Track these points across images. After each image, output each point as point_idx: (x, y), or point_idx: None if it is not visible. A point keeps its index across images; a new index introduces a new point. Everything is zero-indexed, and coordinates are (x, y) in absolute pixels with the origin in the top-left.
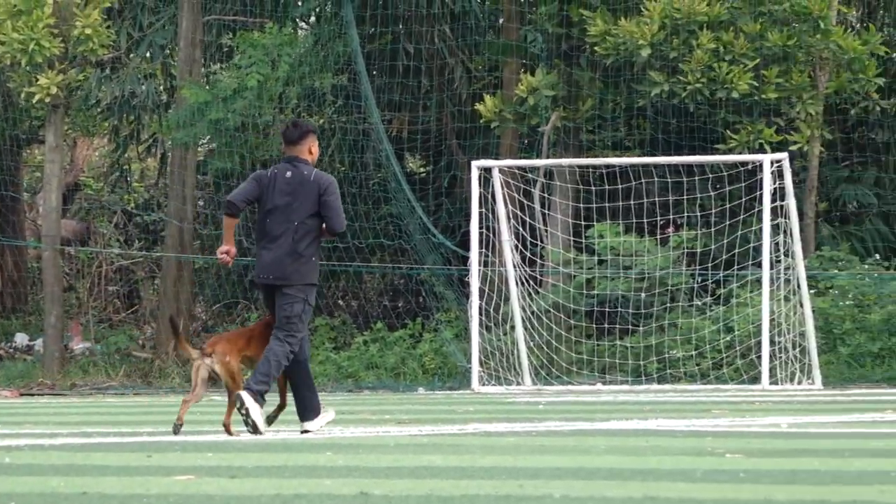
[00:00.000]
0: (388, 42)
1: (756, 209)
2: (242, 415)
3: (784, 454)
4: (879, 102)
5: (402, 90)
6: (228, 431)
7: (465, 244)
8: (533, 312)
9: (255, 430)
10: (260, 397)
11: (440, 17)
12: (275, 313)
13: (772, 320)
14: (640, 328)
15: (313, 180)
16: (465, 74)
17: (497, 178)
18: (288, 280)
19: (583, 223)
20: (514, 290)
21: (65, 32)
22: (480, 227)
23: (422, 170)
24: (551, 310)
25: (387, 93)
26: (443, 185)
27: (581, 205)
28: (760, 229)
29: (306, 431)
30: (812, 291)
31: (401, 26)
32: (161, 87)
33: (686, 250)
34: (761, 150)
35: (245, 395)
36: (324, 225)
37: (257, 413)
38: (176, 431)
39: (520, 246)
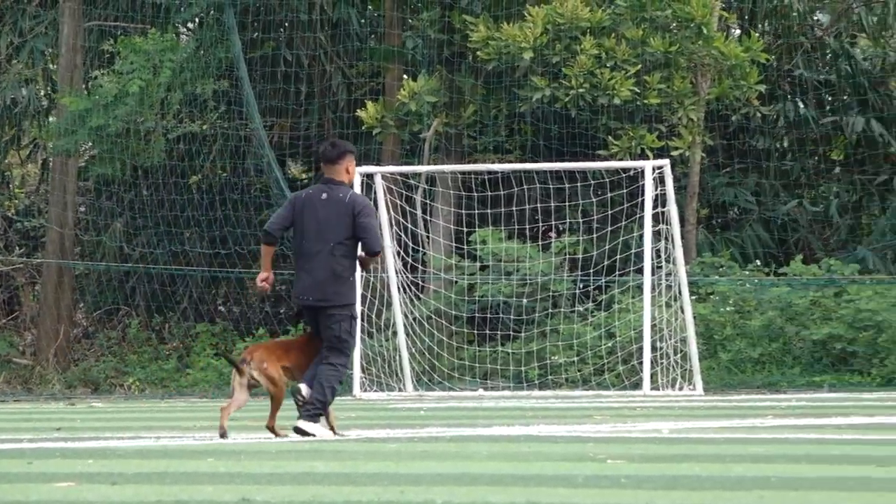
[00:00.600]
0: (270, 48)
1: (638, 215)
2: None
3: (665, 460)
4: (760, 109)
5: (284, 96)
6: (275, 433)
7: None
8: (415, 318)
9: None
10: (316, 418)
11: (319, 24)
12: (319, 332)
13: (653, 326)
14: (522, 334)
15: (348, 202)
16: (344, 81)
17: (379, 184)
18: (329, 301)
19: (465, 229)
20: (395, 296)
21: None
22: None
23: (304, 176)
24: (433, 316)
25: (268, 99)
26: None
27: (463, 211)
28: (642, 235)
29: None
30: (693, 297)
31: (282, 32)
32: (42, 93)
33: (568, 256)
34: (643, 156)
35: (303, 424)
36: (359, 248)
37: (323, 430)
38: (223, 436)
39: (402, 252)
